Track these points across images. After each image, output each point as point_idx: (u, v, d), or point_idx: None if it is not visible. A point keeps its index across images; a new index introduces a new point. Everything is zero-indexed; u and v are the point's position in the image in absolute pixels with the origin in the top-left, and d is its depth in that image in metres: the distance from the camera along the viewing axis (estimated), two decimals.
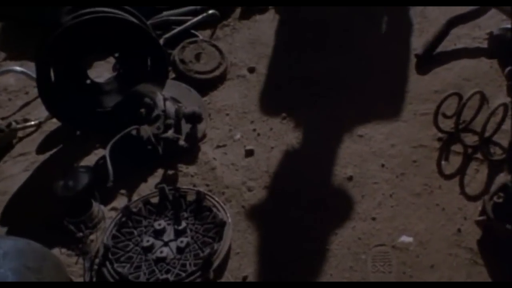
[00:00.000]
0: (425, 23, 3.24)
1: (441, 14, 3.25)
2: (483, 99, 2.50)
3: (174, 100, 2.85)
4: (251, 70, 3.22)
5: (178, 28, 3.51)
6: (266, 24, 3.58)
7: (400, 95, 2.79)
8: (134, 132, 2.62)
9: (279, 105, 2.91)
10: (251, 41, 3.46)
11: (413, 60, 2.97)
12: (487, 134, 2.41)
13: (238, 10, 3.77)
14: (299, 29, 3.44)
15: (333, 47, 3.22)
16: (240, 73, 3.22)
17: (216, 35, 3.61)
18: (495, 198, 2.10)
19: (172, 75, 3.18)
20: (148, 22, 3.63)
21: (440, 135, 2.54)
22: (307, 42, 3.30)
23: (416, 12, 3.33)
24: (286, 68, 3.16)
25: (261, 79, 3.14)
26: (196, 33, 3.55)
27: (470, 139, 2.50)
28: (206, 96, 3.09)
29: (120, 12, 2.85)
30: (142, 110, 2.68)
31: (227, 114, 2.94)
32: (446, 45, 3.01)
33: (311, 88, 2.97)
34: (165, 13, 3.77)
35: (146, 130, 2.64)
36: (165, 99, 2.78)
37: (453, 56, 2.93)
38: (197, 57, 3.22)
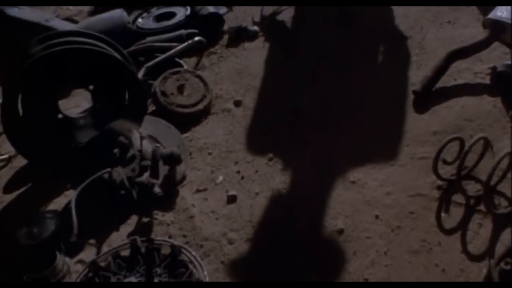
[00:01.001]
0: (423, 55, 3.00)
1: (440, 46, 3.02)
2: (487, 145, 2.26)
3: (152, 139, 2.60)
4: (238, 103, 2.97)
5: (161, 56, 3.27)
6: (255, 52, 3.34)
7: (397, 136, 2.55)
8: (106, 176, 2.37)
9: (265, 144, 2.66)
10: (239, 71, 3.22)
11: (410, 97, 2.73)
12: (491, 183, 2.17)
13: (226, 37, 3.54)
14: (290, 59, 3.20)
15: (325, 79, 2.98)
16: (225, 107, 2.97)
17: (202, 64, 3.38)
18: (502, 264, 1.85)
19: (153, 107, 2.95)
20: (131, 49, 3.42)
21: (439, 182, 2.29)
22: (298, 73, 3.06)
23: (413, 43, 3.09)
24: (275, 102, 2.92)
25: (247, 114, 2.89)
26: (181, 61, 3.32)
27: (473, 187, 2.25)
28: (188, 131, 2.85)
29: (95, 42, 2.62)
30: (116, 150, 2.43)
31: (210, 153, 2.69)
32: (446, 80, 2.77)
33: (301, 125, 2.73)
34: (149, 38, 3.54)
35: (120, 173, 2.38)
36: (141, 138, 2.53)
37: (453, 93, 2.69)
38: (180, 89, 2.97)
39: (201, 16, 3.55)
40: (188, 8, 3.82)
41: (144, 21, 3.82)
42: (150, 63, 3.20)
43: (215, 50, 3.44)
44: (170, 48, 3.40)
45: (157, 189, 2.33)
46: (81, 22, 3.78)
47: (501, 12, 2.76)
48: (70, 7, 4.51)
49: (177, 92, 2.95)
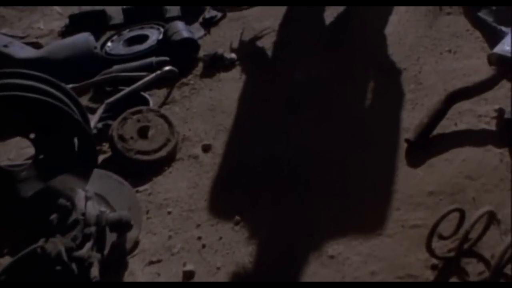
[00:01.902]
0: (419, 91, 2.57)
1: (439, 81, 2.59)
2: (493, 218, 1.84)
3: (100, 198, 2.19)
4: (206, 148, 2.56)
5: (125, 90, 2.86)
6: (231, 85, 2.92)
7: (385, 196, 2.13)
8: (38, 250, 1.97)
9: (233, 203, 2.25)
10: (211, 107, 2.81)
11: (403, 146, 2.30)
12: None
13: (200, 65, 3.12)
14: (268, 95, 2.78)
15: (306, 119, 2.56)
16: (192, 152, 2.56)
17: (172, 97, 2.97)
18: None
19: (109, 153, 2.54)
20: (95, 79, 3.02)
21: (434, 261, 1.87)
22: (277, 113, 2.65)
23: (409, 77, 2.66)
24: (248, 148, 2.50)
25: (216, 162, 2.48)
26: (147, 95, 2.91)
27: (474, 268, 1.84)
28: (147, 183, 2.44)
29: (38, 86, 2.22)
30: (53, 217, 2.03)
31: (169, 212, 2.28)
32: (445, 124, 2.35)
33: (275, 179, 2.31)
34: (116, 67, 3.13)
35: (56, 245, 1.98)
36: (87, 198, 2.12)
37: (453, 142, 2.26)
38: (141, 132, 2.57)
39: (174, 41, 3.13)
40: (162, 29, 3.41)
41: (114, 45, 3.41)
42: (111, 99, 2.79)
43: (188, 81, 3.03)
44: (138, 78, 2.99)
45: (94, 272, 1.92)
46: (44, 48, 3.38)
47: (508, 46, 2.33)
48: (41, 26, 4.12)
49: (138, 135, 2.54)
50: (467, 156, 2.19)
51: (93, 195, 2.16)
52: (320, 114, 2.57)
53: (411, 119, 2.42)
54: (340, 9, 3.32)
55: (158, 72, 2.96)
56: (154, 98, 2.98)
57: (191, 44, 3.18)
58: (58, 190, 2.12)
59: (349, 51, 2.92)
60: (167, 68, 3.00)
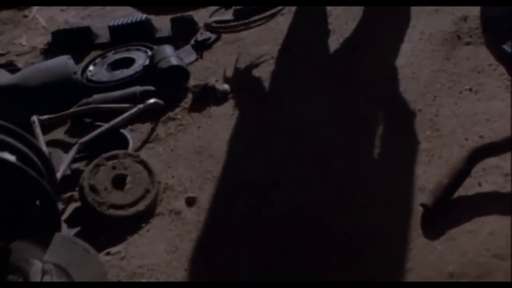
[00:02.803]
0: (436, 139, 2.20)
1: (459, 127, 2.22)
2: None
3: (60, 271, 1.83)
4: (191, 201, 2.20)
5: (102, 128, 2.50)
6: (222, 122, 2.56)
7: (396, 276, 1.76)
8: None
9: (220, 275, 1.89)
10: (199, 149, 2.45)
11: (418, 210, 1.93)
12: None
13: (189, 97, 2.75)
14: (263, 136, 2.41)
15: (305, 171, 2.19)
16: (174, 206, 2.20)
17: (156, 133, 2.60)
18: None
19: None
20: (71, 111, 2.66)
21: None
22: (272, 160, 2.28)
23: (424, 121, 2.29)
24: (238, 204, 2.14)
25: (201, 220, 2.12)
26: (127, 134, 2.55)
27: None
28: (121, 243, 2.09)
29: None
30: None
31: None
32: (467, 183, 1.97)
33: (265, 243, 1.96)
34: (95, 97, 2.77)
35: None
36: (44, 272, 1.77)
37: (477, 209, 1.89)
38: (116, 181, 2.21)
39: (161, 69, 2.76)
40: (149, 52, 3.04)
41: (96, 70, 3.05)
42: (85, 138, 2.43)
43: (175, 115, 2.67)
44: (119, 111, 2.63)
45: None
46: (19, 73, 3.00)
47: None
48: (24, 42, 3.76)
49: (112, 185, 2.18)
50: (494, 229, 1.81)
51: (52, 268, 1.80)
52: (320, 165, 2.20)
53: (427, 176, 2.05)
54: (347, 34, 2.94)
55: (141, 106, 2.60)
56: (136, 133, 2.63)
57: (180, 73, 2.81)
58: (9, 262, 1.76)
59: (357, 86, 2.55)
60: (151, 101, 2.64)
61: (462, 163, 1.94)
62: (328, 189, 2.08)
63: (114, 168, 2.22)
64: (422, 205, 1.91)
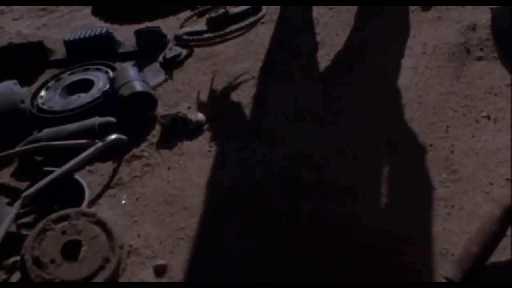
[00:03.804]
0: (454, 185, 1.80)
1: (480, 167, 1.83)
2: None
3: None
4: (160, 270, 1.77)
5: (52, 175, 2.04)
6: (196, 161, 2.12)
7: None
8: None
9: None
10: (169, 198, 2.01)
11: (439, 280, 1.53)
12: None
13: (158, 128, 2.30)
14: (244, 180, 1.98)
15: (295, 226, 1.78)
16: (141, 277, 1.77)
17: (119, 176, 2.16)
18: None
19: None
20: (18, 149, 2.21)
21: None
22: (256, 214, 1.85)
23: (437, 160, 1.88)
24: (219, 273, 1.71)
25: None
26: (82, 181, 2.09)
27: None
28: None
29: None
30: None
31: None
32: (500, 246, 1.57)
33: None
34: (46, 131, 2.31)
35: None
36: None
37: None
38: (67, 249, 1.76)
39: (122, 97, 2.31)
40: (110, 73, 2.58)
41: (49, 96, 2.58)
42: (31, 190, 1.98)
43: (140, 152, 2.22)
44: (74, 148, 2.18)
45: None
46: None
47: None
48: None
49: (62, 256, 1.74)
50: None
51: None
52: (314, 213, 1.79)
53: (448, 235, 1.65)
54: (338, 46, 2.52)
55: (99, 145, 2.14)
56: (95, 177, 2.18)
57: (146, 100, 2.36)
58: None
59: (355, 115, 2.13)
60: (112, 137, 2.19)
61: (494, 225, 1.54)
62: (325, 254, 1.66)
63: (64, 233, 1.77)
64: (447, 279, 1.51)
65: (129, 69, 2.42)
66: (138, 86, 2.33)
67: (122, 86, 2.33)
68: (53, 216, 1.79)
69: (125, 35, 3.05)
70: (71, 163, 2.07)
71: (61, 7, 3.64)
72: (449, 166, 1.85)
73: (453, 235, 1.65)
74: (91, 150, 2.12)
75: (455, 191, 1.77)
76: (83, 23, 3.35)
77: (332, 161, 1.95)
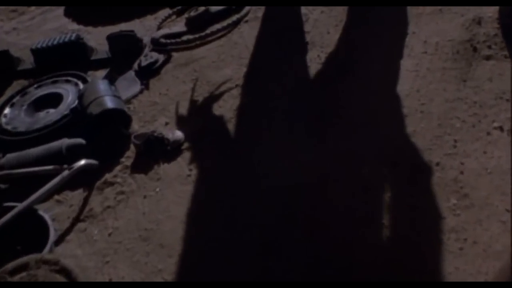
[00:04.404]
0: (466, 212, 1.56)
1: (495, 190, 1.60)
2: None
3: None
4: None
5: (12, 212, 1.80)
6: (174, 188, 1.88)
7: None
8: None
9: None
10: (145, 233, 1.77)
11: None
12: None
13: (133, 148, 2.05)
14: (228, 210, 1.74)
15: (283, 257, 1.54)
16: None
17: (90, 207, 1.92)
18: None
19: None
20: None
21: None
22: (242, 252, 1.62)
23: (445, 181, 1.64)
24: None
25: None
26: (47, 218, 1.85)
27: None
28: None
29: None
30: None
31: None
32: None
33: None
34: (8, 156, 2.09)
35: None
36: None
37: None
38: None
39: (92, 116, 2.05)
40: (80, 85, 2.33)
41: (14, 113, 2.34)
42: None
43: (113, 178, 1.98)
44: (40, 175, 1.94)
45: None
46: None
47: None
48: None
49: None
50: None
51: None
52: (308, 261, 1.54)
53: (462, 275, 1.41)
54: (330, 47, 2.25)
55: (65, 174, 1.90)
56: (64, 208, 1.95)
57: (118, 117, 2.11)
58: None
59: (350, 129, 1.88)
60: (81, 163, 1.94)
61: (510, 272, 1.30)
62: None
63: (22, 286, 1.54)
64: None
65: (99, 83, 2.16)
66: (109, 103, 2.08)
67: (91, 103, 2.08)
68: (10, 266, 1.55)
69: (99, 38, 2.80)
70: (34, 196, 1.83)
71: (33, 8, 3.37)
72: (459, 190, 1.61)
73: (467, 275, 1.41)
74: (56, 180, 1.88)
75: (467, 221, 1.53)
76: (55, 25, 3.09)
77: (325, 185, 1.70)
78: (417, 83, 1.98)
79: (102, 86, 2.15)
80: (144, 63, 2.37)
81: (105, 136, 2.06)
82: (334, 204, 1.66)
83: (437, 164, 1.70)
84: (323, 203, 1.67)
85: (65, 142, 2.05)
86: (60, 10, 3.23)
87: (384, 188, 1.67)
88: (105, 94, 2.10)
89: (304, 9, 2.54)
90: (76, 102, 2.20)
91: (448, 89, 1.93)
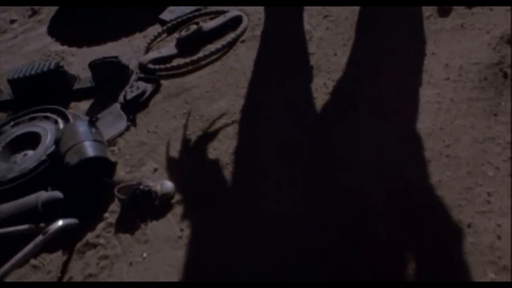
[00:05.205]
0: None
1: None
2: None
3: None
4: None
5: None
6: (164, 253, 1.62)
7: None
8: None
9: None
10: None
11: None
12: None
13: (117, 202, 1.80)
14: (228, 272, 1.49)
15: None
16: None
17: (69, 275, 1.67)
18: None
19: None
20: None
21: None
22: None
23: (479, 250, 1.36)
24: None
25: None
26: None
27: None
28: None
29: None
30: None
31: None
32: None
33: None
34: None
35: None
36: None
37: None
38: None
39: (69, 166, 1.79)
40: (60, 122, 2.07)
41: None
42: None
43: (96, 239, 1.73)
44: (14, 236, 1.69)
45: None
46: None
47: None
48: None
49: None
50: None
51: None
52: None
53: None
54: (337, 72, 1.97)
55: (39, 239, 1.64)
56: (41, 275, 1.70)
57: (100, 164, 1.84)
58: None
59: (358, 177, 1.61)
60: (58, 224, 1.68)
61: None
62: None
63: None
64: None
65: (77, 126, 1.89)
66: (89, 150, 1.82)
67: (69, 150, 1.82)
68: None
69: (84, 61, 2.54)
70: (3, 269, 1.57)
71: (15, 25, 3.11)
72: (497, 261, 1.34)
73: None
74: (29, 247, 1.63)
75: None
76: (37, 46, 2.83)
77: (333, 251, 1.44)
78: (440, 119, 1.70)
79: (82, 129, 1.88)
80: (130, 96, 2.10)
81: (85, 188, 1.80)
82: (340, 274, 1.39)
83: (469, 225, 1.42)
84: (332, 271, 1.40)
85: (41, 196, 1.80)
86: (43, 28, 2.97)
87: (405, 258, 1.40)
88: (84, 139, 1.84)
89: (306, 25, 2.25)
90: (53, 146, 1.93)
91: (477, 126, 1.64)
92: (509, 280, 1.30)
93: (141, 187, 1.73)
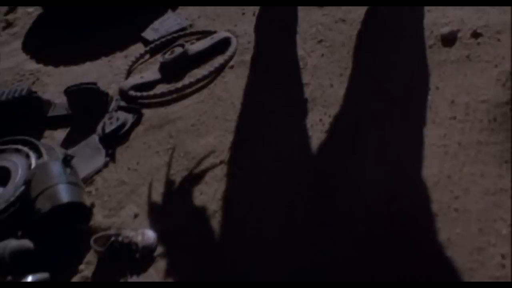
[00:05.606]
0: None
1: None
2: None
3: None
4: None
5: None
6: None
7: None
8: None
9: None
10: None
11: None
12: None
13: (93, 252, 1.63)
14: None
15: None
16: None
17: None
18: None
19: None
20: None
21: None
22: None
23: None
24: None
25: None
26: None
27: None
28: None
29: None
30: None
31: None
32: None
33: None
34: None
35: None
36: None
37: None
38: None
39: (40, 214, 1.62)
40: (32, 156, 1.89)
41: None
42: None
43: None
44: None
45: None
46: None
47: None
48: None
49: None
50: None
51: None
52: None
53: None
54: (335, 106, 1.82)
55: None
56: None
57: (75, 210, 1.67)
58: None
59: (357, 234, 1.46)
60: (28, 280, 1.51)
61: None
62: None
63: None
64: None
65: (49, 166, 1.71)
66: (63, 194, 1.65)
67: (40, 194, 1.64)
68: None
69: (60, 82, 2.36)
70: None
71: None
72: None
73: None
74: None
75: None
76: (11, 64, 2.64)
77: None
78: (447, 165, 1.55)
79: (54, 169, 1.70)
80: (109, 129, 1.93)
81: (58, 237, 1.63)
82: None
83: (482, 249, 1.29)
84: None
85: (9, 246, 1.62)
86: (18, 43, 2.77)
87: None
88: (58, 182, 1.66)
89: (300, 50, 2.10)
90: (23, 187, 1.75)
91: (487, 175, 1.50)
92: None
93: (120, 238, 1.56)
